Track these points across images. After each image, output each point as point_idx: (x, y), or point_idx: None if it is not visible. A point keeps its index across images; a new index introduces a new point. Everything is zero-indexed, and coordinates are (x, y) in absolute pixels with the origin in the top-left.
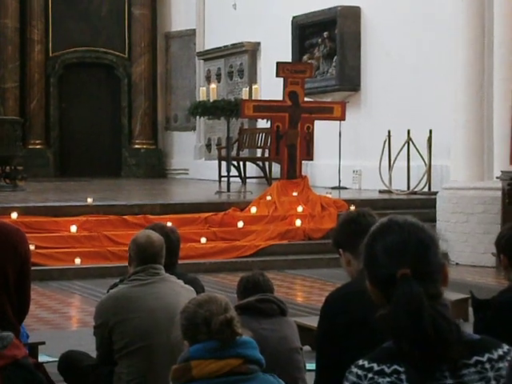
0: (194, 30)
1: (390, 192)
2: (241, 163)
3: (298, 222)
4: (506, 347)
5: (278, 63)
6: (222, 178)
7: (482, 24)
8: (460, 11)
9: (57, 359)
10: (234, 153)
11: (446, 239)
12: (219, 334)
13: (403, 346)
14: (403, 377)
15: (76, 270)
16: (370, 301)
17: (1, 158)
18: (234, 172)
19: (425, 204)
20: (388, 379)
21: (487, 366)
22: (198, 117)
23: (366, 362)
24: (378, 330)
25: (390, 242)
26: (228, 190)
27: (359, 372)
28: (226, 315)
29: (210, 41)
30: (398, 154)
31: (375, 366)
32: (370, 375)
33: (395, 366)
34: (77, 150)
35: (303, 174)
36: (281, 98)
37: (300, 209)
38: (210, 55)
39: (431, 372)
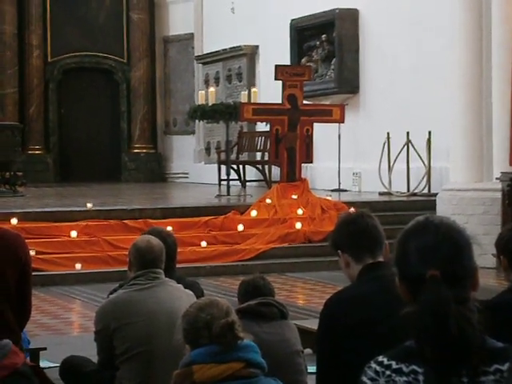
0: (192, 33)
1: (389, 194)
2: (240, 166)
3: (298, 225)
4: None
5: (276, 66)
6: (222, 182)
7: (480, 26)
8: (458, 14)
9: (58, 365)
10: (233, 156)
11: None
12: (221, 337)
13: (424, 347)
14: (420, 378)
15: (77, 275)
16: (369, 304)
17: (0, 163)
18: (233, 175)
19: (425, 206)
20: (405, 378)
21: (506, 375)
22: (197, 120)
23: (385, 359)
24: (379, 333)
25: (423, 241)
26: (228, 193)
27: (377, 368)
28: (228, 319)
29: (209, 44)
30: (398, 155)
31: (394, 364)
32: (387, 372)
33: (413, 366)
34: (76, 155)
35: (303, 176)
36: (280, 101)
37: (300, 212)
38: (208, 59)
39: (449, 376)
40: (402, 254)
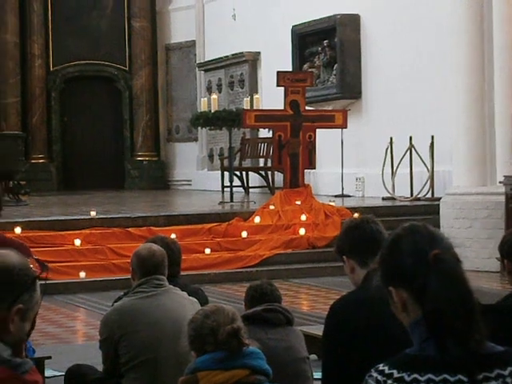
0: (194, 41)
1: (393, 199)
2: (243, 173)
3: (302, 231)
4: None
5: (278, 72)
6: (225, 189)
7: (482, 30)
8: (459, 18)
9: (63, 373)
10: (236, 163)
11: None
12: (226, 344)
13: (451, 322)
14: None
15: (81, 284)
16: (374, 309)
17: (3, 172)
18: (236, 182)
19: (428, 210)
20: None
21: (508, 380)
22: (199, 128)
23: (386, 368)
24: (384, 337)
25: (418, 236)
26: (231, 200)
27: (379, 377)
28: (233, 325)
29: (210, 51)
30: (401, 160)
31: (395, 373)
32: (389, 382)
33: (415, 375)
34: (79, 164)
35: (306, 182)
36: (282, 108)
37: (303, 217)
38: (210, 66)
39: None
40: (393, 252)
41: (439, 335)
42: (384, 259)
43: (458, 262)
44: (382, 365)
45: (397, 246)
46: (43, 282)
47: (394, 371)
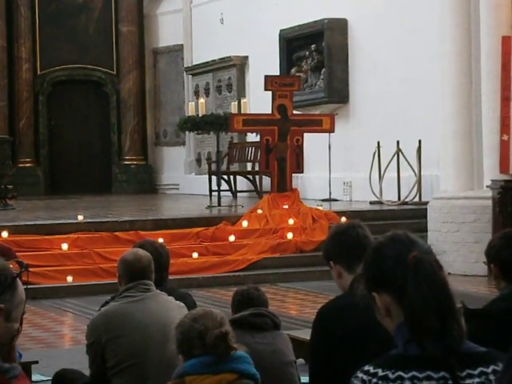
0: (182, 45)
1: (380, 203)
2: (231, 177)
3: (290, 235)
4: None
5: (266, 77)
6: (213, 193)
7: (469, 35)
8: (447, 23)
9: (50, 378)
10: (224, 167)
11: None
12: (214, 348)
13: (428, 321)
14: (407, 383)
15: (68, 288)
16: (361, 313)
17: None
18: (224, 186)
19: (416, 214)
20: None
21: (491, 377)
22: (187, 132)
23: (371, 368)
24: (370, 342)
25: (398, 243)
26: (219, 204)
27: (364, 377)
28: (221, 329)
29: (198, 56)
30: (388, 164)
31: (380, 372)
32: (374, 380)
33: (400, 373)
34: (67, 168)
35: (294, 186)
36: (270, 112)
37: (291, 221)
38: (198, 70)
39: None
40: (379, 263)
41: (418, 335)
42: (367, 266)
43: (436, 265)
44: (366, 366)
45: (379, 252)
46: (25, 287)
47: (379, 370)
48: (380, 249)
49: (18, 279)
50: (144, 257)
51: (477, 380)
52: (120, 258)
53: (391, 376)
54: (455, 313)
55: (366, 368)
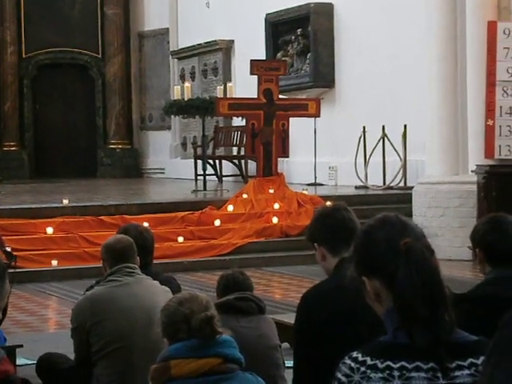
0: (168, 28)
1: (366, 188)
2: (217, 161)
3: (275, 220)
4: None
5: (251, 61)
6: (198, 177)
7: (455, 19)
8: (433, 7)
9: (35, 362)
10: (209, 151)
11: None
12: (199, 331)
13: (418, 310)
14: (396, 373)
15: (53, 272)
16: (349, 297)
17: None
18: (210, 170)
19: (401, 199)
20: (380, 375)
21: (481, 368)
22: (172, 116)
23: (359, 355)
24: (356, 326)
25: (390, 226)
26: (204, 188)
27: (352, 364)
28: (207, 313)
29: (184, 39)
30: (374, 149)
31: (368, 360)
32: (362, 369)
33: (388, 362)
34: (52, 151)
35: (279, 171)
36: (255, 96)
37: (276, 206)
38: (183, 54)
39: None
40: (369, 247)
41: (407, 323)
42: (357, 249)
43: (428, 251)
44: (355, 352)
45: (369, 236)
46: (11, 271)
47: (367, 358)
48: (370, 232)
49: (6, 271)
50: (124, 237)
51: (466, 372)
52: (102, 245)
53: (380, 366)
54: (446, 302)
55: (355, 355)
